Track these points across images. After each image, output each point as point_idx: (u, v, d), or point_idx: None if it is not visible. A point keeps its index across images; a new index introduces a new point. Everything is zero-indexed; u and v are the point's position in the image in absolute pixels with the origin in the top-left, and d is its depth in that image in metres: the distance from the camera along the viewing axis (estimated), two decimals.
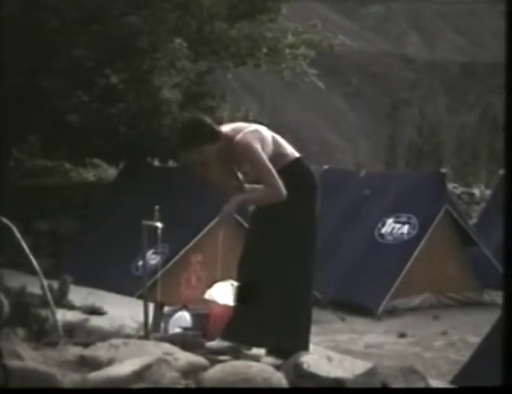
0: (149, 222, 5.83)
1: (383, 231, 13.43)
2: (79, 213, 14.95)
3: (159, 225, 5.81)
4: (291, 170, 5.27)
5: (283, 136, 5.46)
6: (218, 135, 5.19)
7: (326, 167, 15.88)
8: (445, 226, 13.44)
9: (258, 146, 5.12)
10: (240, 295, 5.39)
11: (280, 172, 5.16)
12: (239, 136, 5.15)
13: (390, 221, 13.47)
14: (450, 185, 17.02)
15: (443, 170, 14.67)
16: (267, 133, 5.30)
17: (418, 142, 45.87)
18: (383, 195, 13.92)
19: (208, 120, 5.27)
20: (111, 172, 16.85)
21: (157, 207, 5.94)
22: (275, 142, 5.31)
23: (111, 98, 14.17)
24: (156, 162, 15.67)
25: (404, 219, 13.35)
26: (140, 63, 14.29)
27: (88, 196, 15.33)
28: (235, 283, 5.62)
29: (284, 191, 5.08)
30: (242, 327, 5.32)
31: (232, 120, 15.55)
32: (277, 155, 5.26)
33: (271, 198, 5.13)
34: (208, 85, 15.64)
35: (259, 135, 5.20)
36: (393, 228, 13.34)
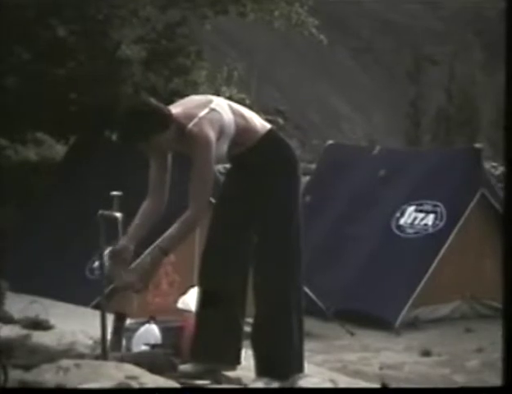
0: (107, 212, 5.84)
1: (402, 221, 13.48)
2: (18, 202, 14.93)
3: (119, 215, 5.82)
4: (264, 146, 5.34)
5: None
6: (168, 120, 5.20)
7: (330, 141, 15.95)
8: (480, 216, 13.51)
9: (213, 136, 5.14)
10: (204, 300, 5.46)
11: (251, 150, 5.25)
12: (192, 124, 5.17)
13: (410, 209, 13.53)
14: (488, 164, 17.06)
15: (478, 145, 14.73)
16: (227, 109, 5.31)
17: (447, 110, 45.88)
18: (403, 177, 13.97)
19: (155, 103, 5.25)
20: (58, 150, 16.82)
21: (116, 193, 5.94)
22: (239, 116, 5.33)
23: (58, 55, 14.12)
24: (114, 137, 15.65)
25: (428, 207, 13.41)
26: (95, 12, 14.24)
27: (29, 180, 15.30)
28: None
29: (201, 219, 5.22)
30: (212, 341, 5.37)
31: (211, 81, 15.62)
32: (245, 131, 5.31)
33: (189, 231, 5.38)
34: (181, 40, 15.60)
35: (217, 117, 5.22)
36: (415, 218, 13.40)
